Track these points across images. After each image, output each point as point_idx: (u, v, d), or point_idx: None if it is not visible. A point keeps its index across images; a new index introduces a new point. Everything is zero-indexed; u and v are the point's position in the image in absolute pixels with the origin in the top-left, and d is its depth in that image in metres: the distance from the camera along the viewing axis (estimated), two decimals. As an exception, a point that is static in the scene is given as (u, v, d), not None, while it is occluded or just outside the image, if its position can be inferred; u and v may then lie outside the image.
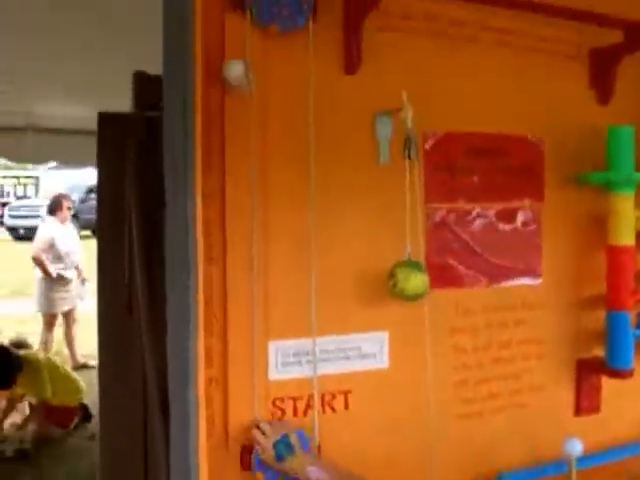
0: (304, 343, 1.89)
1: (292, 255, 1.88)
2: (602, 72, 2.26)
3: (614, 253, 2.18)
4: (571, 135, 2.24)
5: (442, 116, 2.06)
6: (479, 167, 2.12)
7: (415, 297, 1.88)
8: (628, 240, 2.16)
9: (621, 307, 2.16)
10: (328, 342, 1.92)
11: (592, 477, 2.13)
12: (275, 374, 1.88)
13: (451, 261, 2.09)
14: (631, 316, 2.16)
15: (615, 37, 2.20)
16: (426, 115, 1.99)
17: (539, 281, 2.23)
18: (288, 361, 1.89)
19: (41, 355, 5.64)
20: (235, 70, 1.71)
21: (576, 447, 2.02)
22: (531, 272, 2.22)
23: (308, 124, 1.85)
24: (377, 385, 2.00)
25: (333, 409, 1.94)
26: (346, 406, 1.96)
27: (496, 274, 2.16)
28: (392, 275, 1.87)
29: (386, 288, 1.92)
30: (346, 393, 1.96)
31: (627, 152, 2.14)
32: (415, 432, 2.02)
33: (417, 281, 1.86)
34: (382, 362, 2.00)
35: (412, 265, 1.89)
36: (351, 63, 1.92)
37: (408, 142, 1.89)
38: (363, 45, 1.93)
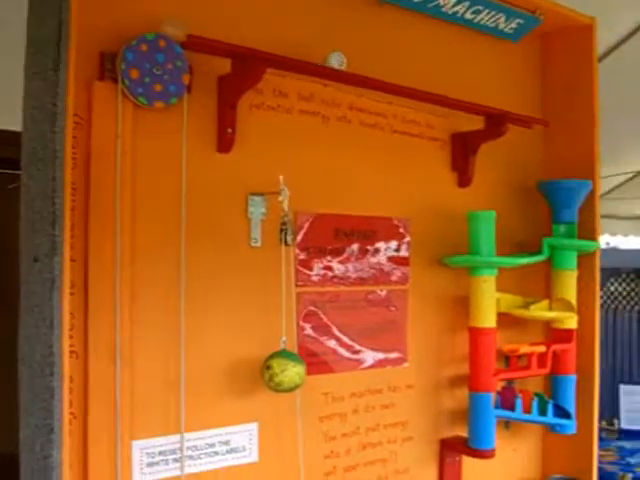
0: (171, 440, 1.75)
1: (160, 344, 1.74)
2: (463, 156, 2.32)
3: (476, 335, 2.22)
4: (435, 217, 2.28)
5: (314, 197, 2.02)
6: (348, 250, 2.10)
7: (291, 390, 1.80)
8: (489, 322, 2.21)
9: (483, 389, 2.19)
10: (196, 438, 1.79)
11: None
12: (140, 476, 1.71)
13: (320, 347, 2.03)
14: (493, 397, 2.20)
15: (476, 123, 2.27)
16: (298, 196, 1.91)
17: (405, 364, 2.22)
18: (153, 461, 1.73)
19: None
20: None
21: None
22: (397, 355, 2.20)
23: (180, 202, 1.74)
24: (246, 482, 1.89)
25: (200, 512, 1.81)
26: (214, 508, 1.83)
27: (362, 358, 2.13)
28: (268, 367, 1.78)
29: (256, 377, 1.83)
30: (214, 493, 1.83)
31: (488, 236, 2.20)
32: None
33: (294, 373, 1.78)
34: (252, 456, 1.89)
35: (288, 356, 1.81)
36: (224, 141, 1.83)
37: (284, 227, 1.83)
38: (237, 123, 1.85)
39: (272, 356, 1.80)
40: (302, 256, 1.99)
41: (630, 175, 7.84)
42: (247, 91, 1.82)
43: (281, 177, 1.80)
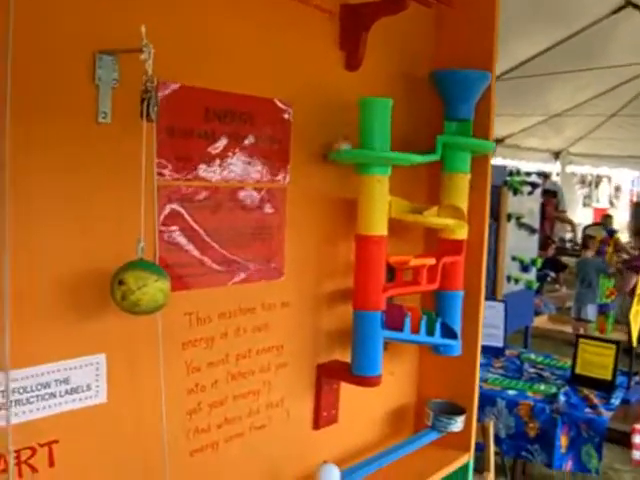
0: (-12, 381, 1.28)
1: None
2: (354, 33, 1.93)
3: (364, 244, 1.89)
4: (320, 103, 1.90)
5: (178, 63, 1.55)
6: (220, 135, 1.67)
7: (152, 311, 1.38)
8: (380, 229, 1.88)
9: (371, 307, 1.88)
10: (24, 376, 1.33)
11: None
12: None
13: (184, 257, 1.61)
14: (381, 316, 1.90)
15: (372, -6, 1.89)
16: (158, 59, 1.43)
17: (281, 278, 1.86)
18: (-38, 410, 1.26)
19: None
20: None
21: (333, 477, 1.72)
22: (272, 267, 1.83)
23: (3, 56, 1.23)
24: (93, 428, 1.45)
25: (34, 469, 1.36)
26: (51, 463, 1.38)
27: (233, 271, 1.73)
28: (120, 283, 1.34)
29: (105, 294, 1.39)
30: (51, 445, 1.38)
31: (382, 128, 1.85)
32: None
33: (155, 290, 1.36)
34: (99, 396, 1.46)
35: (147, 267, 1.37)
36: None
37: (147, 95, 1.36)
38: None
39: (126, 268, 1.36)
40: (163, 137, 1.53)
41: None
42: None
43: (143, 28, 1.32)
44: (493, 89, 2.17)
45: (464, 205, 2.10)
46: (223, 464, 1.74)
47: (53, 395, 1.38)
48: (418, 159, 1.94)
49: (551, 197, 10.53)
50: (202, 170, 1.63)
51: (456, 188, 2.10)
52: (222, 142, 1.67)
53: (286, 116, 1.81)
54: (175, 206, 1.58)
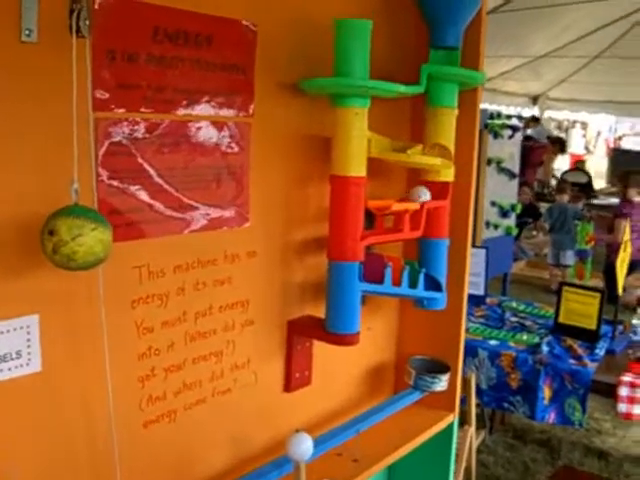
0: None
1: None
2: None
3: (340, 186, 1.67)
4: (289, 25, 1.66)
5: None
6: (172, 59, 1.42)
7: (90, 266, 1.16)
8: (358, 170, 1.67)
9: (348, 257, 1.67)
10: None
11: (316, 466, 1.67)
12: None
13: (130, 202, 1.38)
14: (359, 267, 1.69)
15: None
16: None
17: (246, 224, 1.64)
18: None
19: None
20: None
21: (306, 447, 1.54)
22: (235, 212, 1.61)
23: None
24: (27, 402, 1.25)
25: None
26: (-28, 444, 1.19)
27: (190, 218, 1.51)
28: (51, 233, 1.12)
29: (35, 249, 1.17)
30: (-28, 422, 1.18)
31: (362, 54, 1.62)
32: (90, 463, 1.35)
33: (93, 241, 1.14)
34: (31, 365, 1.25)
35: (83, 213, 1.15)
36: None
37: (77, 7, 1.12)
38: None
39: (57, 215, 1.14)
40: (102, 61, 1.30)
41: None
42: None
43: None
44: (484, 13, 1.95)
45: (450, 144, 1.89)
46: (183, 434, 1.55)
47: (-26, 365, 1.17)
48: (401, 89, 1.71)
49: (556, 143, 10.34)
50: (150, 101, 1.39)
51: (442, 124, 1.89)
52: (175, 67, 1.43)
53: (250, 39, 1.57)
54: (118, 143, 1.35)
